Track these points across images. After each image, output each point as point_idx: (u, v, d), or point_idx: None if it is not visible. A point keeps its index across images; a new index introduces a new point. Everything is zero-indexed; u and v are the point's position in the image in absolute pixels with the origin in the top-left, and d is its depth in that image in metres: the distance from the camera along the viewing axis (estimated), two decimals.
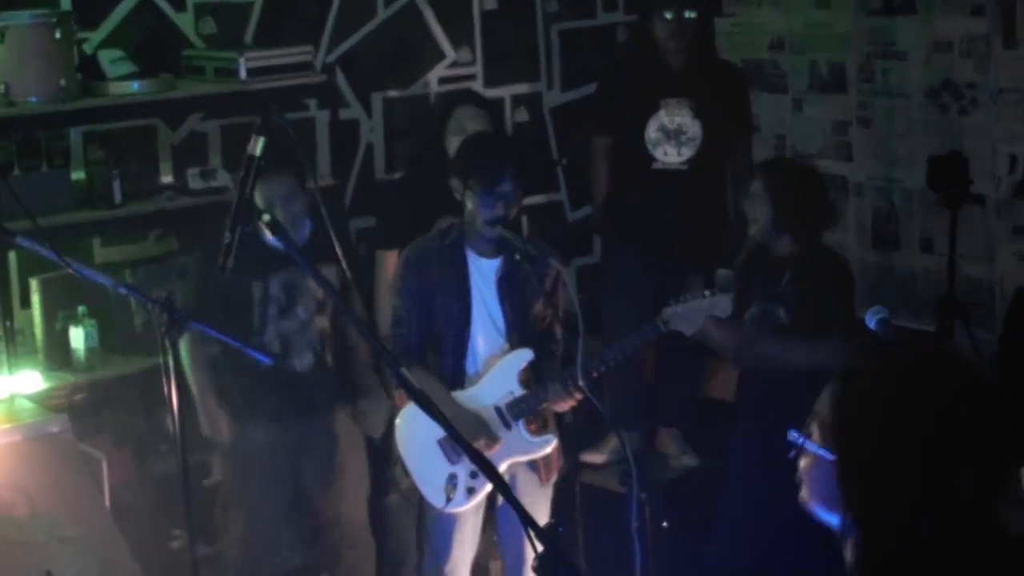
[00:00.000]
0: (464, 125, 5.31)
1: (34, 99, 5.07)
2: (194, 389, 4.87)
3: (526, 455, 4.67)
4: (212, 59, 5.58)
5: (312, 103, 6.06)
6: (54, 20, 5.10)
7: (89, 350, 5.27)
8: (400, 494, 4.85)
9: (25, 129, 5.24)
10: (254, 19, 5.97)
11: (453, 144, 5.14)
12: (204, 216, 5.35)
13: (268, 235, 3.15)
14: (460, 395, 4.60)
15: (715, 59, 6.14)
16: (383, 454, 5.07)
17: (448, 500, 4.59)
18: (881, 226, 6.51)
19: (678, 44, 5.79)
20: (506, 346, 4.64)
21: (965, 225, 5.83)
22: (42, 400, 4.92)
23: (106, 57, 5.37)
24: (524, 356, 4.62)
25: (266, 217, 3.12)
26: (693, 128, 5.81)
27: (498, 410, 4.61)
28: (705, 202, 5.89)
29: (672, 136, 5.82)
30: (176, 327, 3.64)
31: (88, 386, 5.22)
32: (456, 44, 6.57)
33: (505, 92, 6.72)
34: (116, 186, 5.28)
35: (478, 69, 6.65)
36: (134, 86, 5.32)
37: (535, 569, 2.47)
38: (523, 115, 6.83)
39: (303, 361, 4.97)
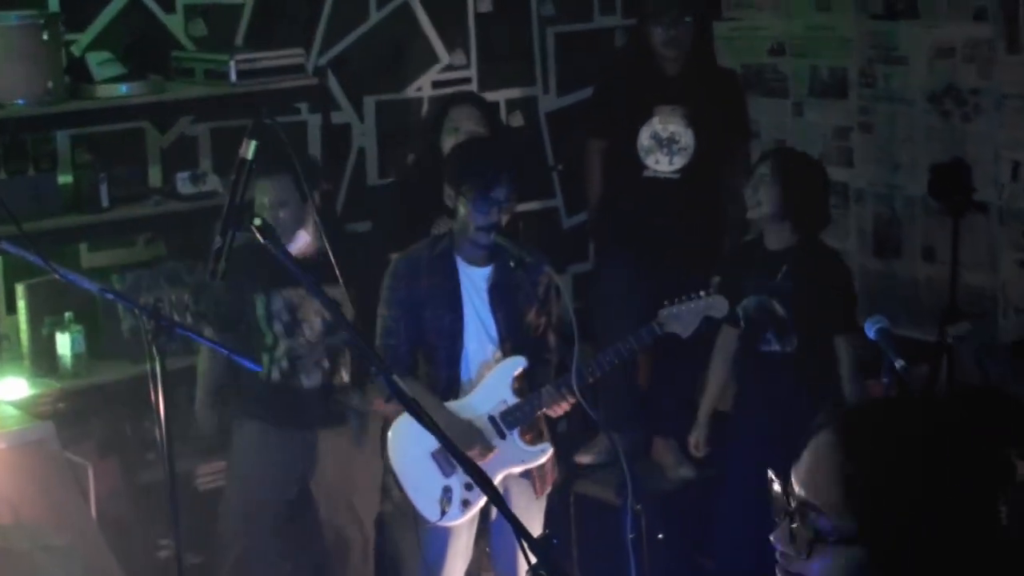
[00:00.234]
0: (458, 125, 5.26)
1: (21, 101, 5.03)
2: (199, 384, 4.99)
3: (521, 464, 4.62)
4: (202, 61, 5.54)
5: (304, 106, 6.01)
6: (41, 21, 5.06)
7: (75, 356, 5.25)
8: (393, 505, 4.78)
9: (12, 132, 5.18)
10: (245, 21, 5.92)
11: (448, 144, 5.10)
12: (193, 221, 5.36)
13: (259, 238, 3.09)
14: (453, 405, 4.56)
15: (712, 66, 6.10)
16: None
17: (443, 513, 4.54)
18: (883, 233, 6.46)
19: (675, 51, 5.76)
20: (499, 355, 4.59)
21: (967, 233, 5.77)
22: (27, 407, 4.93)
23: (94, 59, 5.33)
24: (517, 363, 4.57)
25: (257, 221, 3.04)
26: (686, 137, 5.78)
27: (492, 419, 4.55)
28: (699, 210, 5.85)
29: (664, 144, 5.78)
30: (163, 334, 3.60)
31: (74, 393, 5.20)
32: (450, 47, 6.51)
33: (500, 96, 6.66)
34: (104, 190, 5.24)
35: (472, 72, 6.59)
36: (122, 88, 5.28)
37: None
38: (518, 119, 6.76)
39: (311, 379, 5.00)
